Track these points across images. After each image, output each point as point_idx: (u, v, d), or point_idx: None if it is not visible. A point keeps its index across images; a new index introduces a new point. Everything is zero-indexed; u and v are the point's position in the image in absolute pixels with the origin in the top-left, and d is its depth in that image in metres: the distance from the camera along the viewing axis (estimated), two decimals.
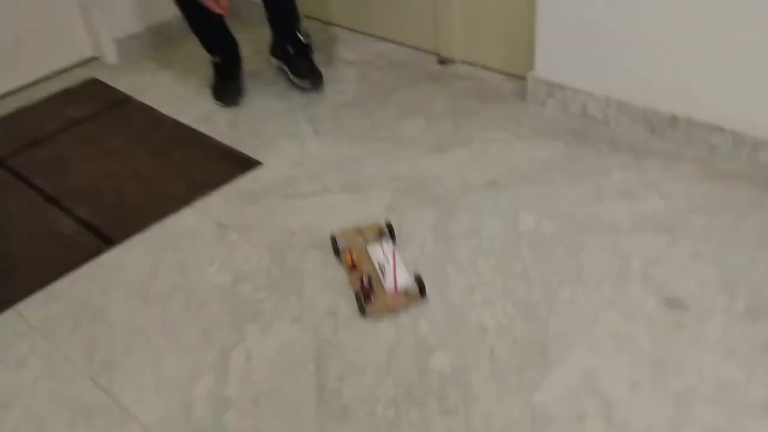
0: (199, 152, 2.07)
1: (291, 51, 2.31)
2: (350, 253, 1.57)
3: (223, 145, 2.08)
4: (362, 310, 1.46)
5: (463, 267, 1.55)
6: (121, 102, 2.39)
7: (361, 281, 1.49)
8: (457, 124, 2.06)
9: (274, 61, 2.41)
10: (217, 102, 2.30)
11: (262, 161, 2.00)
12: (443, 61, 2.42)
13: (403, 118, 2.12)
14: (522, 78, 2.23)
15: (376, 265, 1.54)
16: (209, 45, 2.34)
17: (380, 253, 1.57)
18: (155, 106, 2.34)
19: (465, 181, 1.82)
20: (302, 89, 2.30)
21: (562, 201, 1.71)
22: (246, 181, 1.92)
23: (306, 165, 1.96)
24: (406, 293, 1.47)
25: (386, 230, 1.63)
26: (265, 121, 2.19)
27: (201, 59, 2.42)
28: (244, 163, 1.99)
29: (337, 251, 1.62)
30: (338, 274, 1.57)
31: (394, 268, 1.50)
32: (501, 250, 1.59)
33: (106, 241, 1.76)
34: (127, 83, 2.50)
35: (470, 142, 1.97)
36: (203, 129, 2.17)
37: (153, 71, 2.57)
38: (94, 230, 1.80)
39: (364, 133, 2.07)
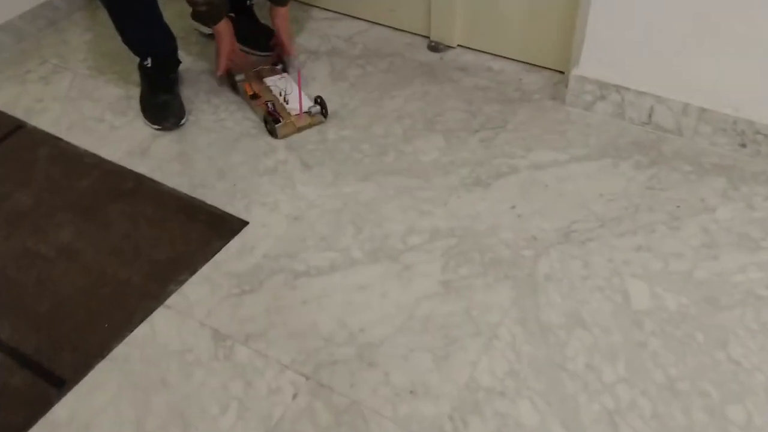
0: (148, 210, 1.48)
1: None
2: (249, 84, 1.77)
3: (182, 196, 1.51)
4: (273, 133, 1.66)
5: (584, 379, 1.15)
6: (10, 131, 1.71)
7: (266, 106, 1.70)
8: (485, 141, 1.61)
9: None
10: (153, 125, 1.69)
11: (245, 218, 1.46)
12: (436, 46, 1.93)
13: (413, 136, 1.63)
14: (553, 70, 1.80)
15: (277, 94, 1.75)
16: (138, 40, 1.70)
17: (279, 82, 1.79)
18: (62, 135, 1.69)
19: (530, 232, 1.39)
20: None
21: (670, 257, 1.33)
22: (232, 254, 1.38)
23: (307, 219, 1.45)
24: (310, 114, 1.68)
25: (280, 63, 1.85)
26: (227, 150, 1.62)
27: (119, 54, 1.77)
28: (221, 224, 1.44)
29: (234, 85, 1.79)
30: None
31: (299, 90, 1.70)
32: (623, 346, 1.19)
33: (53, 381, 1.19)
34: (9, 99, 1.81)
35: (515, 170, 1.54)
36: (143, 169, 1.58)
37: (46, 76, 1.88)
38: (28, 364, 1.22)
39: (369, 162, 1.57)
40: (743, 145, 1.52)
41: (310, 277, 1.33)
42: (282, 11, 1.73)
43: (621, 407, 1.11)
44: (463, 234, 1.40)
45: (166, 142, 1.65)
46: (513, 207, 1.45)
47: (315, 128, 1.67)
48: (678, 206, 1.43)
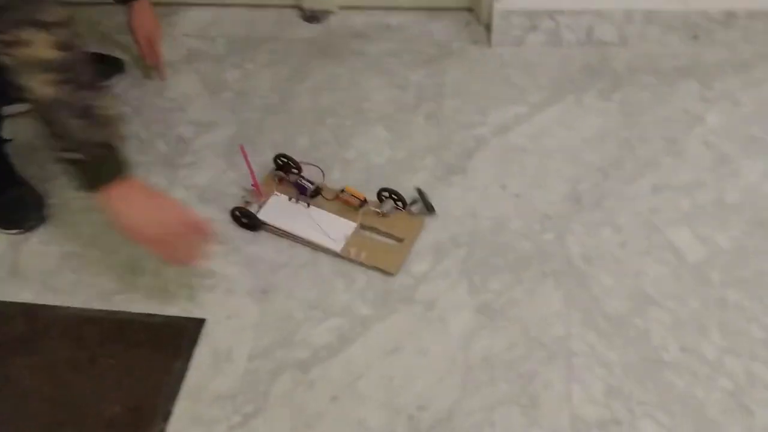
0: (64, 351, 1.06)
1: None
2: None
3: (97, 316, 1.10)
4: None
5: (688, 367, 0.98)
6: None
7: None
8: (432, 117, 1.35)
9: None
10: (10, 231, 1.24)
11: (198, 315, 1.10)
12: (314, 15, 1.60)
13: (348, 137, 1.33)
14: (458, 9, 1.55)
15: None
16: None
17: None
18: None
19: (538, 211, 1.18)
20: None
21: (692, 188, 1.18)
22: (207, 370, 1.02)
23: (280, 285, 1.12)
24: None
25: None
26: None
27: None
28: (170, 336, 1.06)
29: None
30: None
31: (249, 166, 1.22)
32: (704, 310, 1.03)
33: None
34: None
35: (483, 141, 1.30)
36: (26, 295, 1.13)
37: None
38: None
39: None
40: (695, 37, 1.40)
41: (323, 363, 1.03)
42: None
43: (741, 384, 0.96)
44: (469, 239, 1.16)
45: (36, 247, 1.21)
46: (504, 187, 1.23)
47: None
48: (667, 126, 1.29)
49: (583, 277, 1.09)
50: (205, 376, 1.03)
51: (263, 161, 1.27)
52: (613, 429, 0.94)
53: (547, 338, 1.04)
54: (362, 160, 1.29)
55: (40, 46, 0.80)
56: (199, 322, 1.09)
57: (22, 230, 1.23)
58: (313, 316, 1.08)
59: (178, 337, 1.08)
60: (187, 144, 1.35)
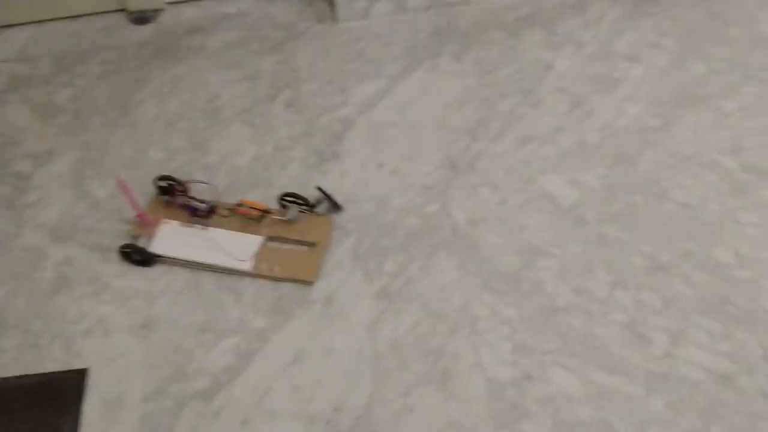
0: None
1: None
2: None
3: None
4: None
5: (582, 308, 1.00)
6: None
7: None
8: (292, 105, 1.29)
9: None
10: None
11: (77, 365, 0.99)
12: (142, 16, 1.48)
13: (205, 140, 1.25)
14: None
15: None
16: None
17: None
18: None
19: (418, 184, 1.17)
20: None
21: (555, 135, 1.20)
22: (101, 423, 0.93)
23: (162, 316, 1.03)
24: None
25: None
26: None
27: None
28: (50, 395, 0.96)
29: None
30: None
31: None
32: (587, 250, 1.06)
33: None
34: None
35: (349, 122, 1.26)
36: None
37: None
38: None
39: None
40: None
41: (225, 387, 0.97)
42: None
43: (633, 315, 1.00)
44: (355, 226, 1.12)
45: None
46: (380, 165, 1.20)
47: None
48: (521, 78, 1.31)
49: (471, 242, 1.10)
50: (99, 430, 0.94)
51: (134, 184, 1.17)
52: (526, 384, 0.95)
53: (449, 309, 1.03)
54: (225, 163, 1.22)
55: None
56: (81, 373, 0.99)
57: None
58: (204, 341, 1.01)
59: (61, 395, 0.97)
60: (27, 180, 1.22)
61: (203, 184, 1.15)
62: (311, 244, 1.09)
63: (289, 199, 1.12)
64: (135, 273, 1.08)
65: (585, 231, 1.10)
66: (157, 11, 1.49)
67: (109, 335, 1.02)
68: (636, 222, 1.10)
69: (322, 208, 1.13)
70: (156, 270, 1.08)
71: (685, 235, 1.07)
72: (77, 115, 1.31)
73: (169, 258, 1.08)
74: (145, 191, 1.16)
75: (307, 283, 1.05)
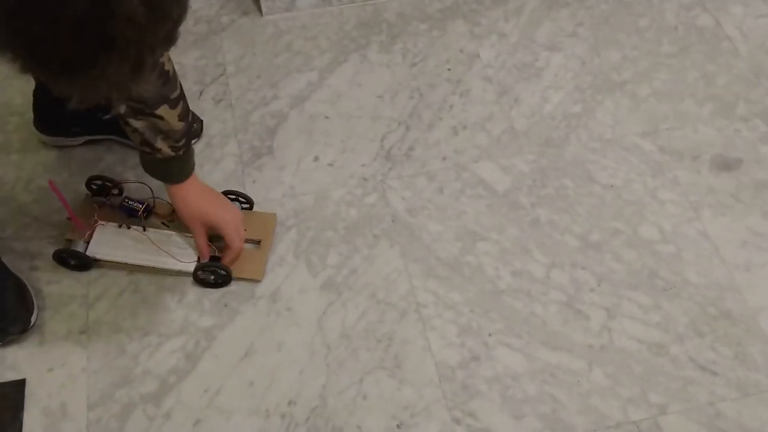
0: None
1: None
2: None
3: None
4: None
5: (523, 289, 1.05)
6: None
7: None
8: (220, 100, 1.26)
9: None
10: None
11: (13, 376, 0.94)
12: None
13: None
14: None
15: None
16: None
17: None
18: None
19: (355, 176, 1.17)
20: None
21: (485, 123, 1.23)
22: None
23: (99, 321, 1.00)
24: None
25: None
26: None
27: None
28: None
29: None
30: None
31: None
32: (522, 234, 1.11)
33: None
34: None
35: (282, 116, 1.25)
36: None
37: None
38: None
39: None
40: None
41: (174, 389, 0.95)
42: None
43: (570, 292, 1.06)
44: (296, 220, 1.12)
45: None
46: (316, 158, 1.20)
47: None
48: (449, 69, 1.34)
49: (412, 230, 1.12)
50: None
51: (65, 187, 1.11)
52: (473, 365, 0.99)
53: (394, 297, 1.05)
54: None
55: (171, 119, 0.92)
56: (19, 384, 0.95)
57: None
58: (149, 343, 0.99)
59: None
60: None
61: (137, 184, 1.11)
62: (256, 242, 1.08)
63: (230, 197, 1.10)
64: (69, 278, 1.04)
65: (520, 215, 1.14)
66: None
67: (45, 344, 0.98)
68: (565, 203, 1.15)
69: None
70: (91, 274, 1.04)
71: (612, 215, 1.14)
72: None
73: (108, 261, 1.04)
74: (76, 192, 1.11)
75: (255, 281, 1.05)
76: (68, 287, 1.03)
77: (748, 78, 1.32)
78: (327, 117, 1.26)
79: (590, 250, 1.10)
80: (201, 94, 1.29)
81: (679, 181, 1.18)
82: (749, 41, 1.39)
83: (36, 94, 1.15)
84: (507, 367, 0.98)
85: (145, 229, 1.06)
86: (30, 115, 1.18)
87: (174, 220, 1.07)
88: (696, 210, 1.15)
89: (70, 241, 1.05)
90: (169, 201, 1.03)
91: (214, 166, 1.18)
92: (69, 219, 1.04)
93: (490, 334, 1.01)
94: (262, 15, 1.42)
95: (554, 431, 0.93)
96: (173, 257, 1.04)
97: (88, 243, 1.04)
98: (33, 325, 0.98)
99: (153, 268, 1.04)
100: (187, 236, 1.06)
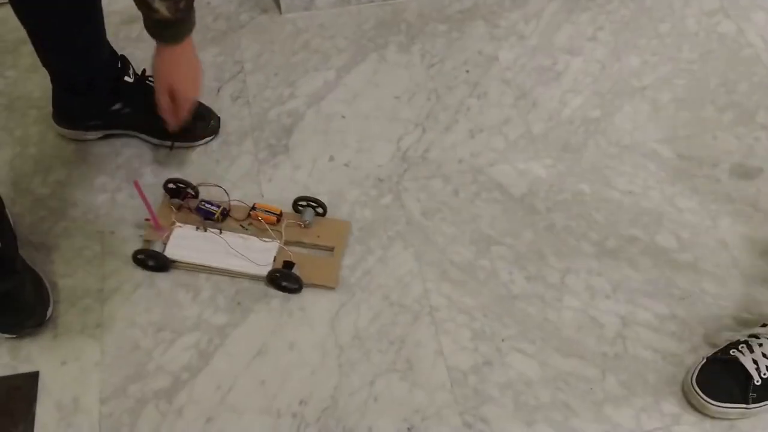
0: None
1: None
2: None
3: None
4: None
5: (537, 294, 1.05)
6: None
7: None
8: (238, 98, 1.27)
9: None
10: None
11: (27, 369, 0.95)
12: None
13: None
14: None
15: None
16: None
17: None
18: None
19: (371, 176, 1.17)
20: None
21: (503, 127, 1.23)
22: (56, 430, 0.91)
23: (113, 318, 1.01)
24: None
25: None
26: None
27: None
28: (3, 402, 0.92)
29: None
30: None
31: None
32: (537, 238, 1.10)
33: None
34: None
35: (298, 115, 1.25)
36: None
37: None
38: None
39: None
40: None
41: (187, 385, 0.95)
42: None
43: (585, 298, 1.05)
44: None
45: None
46: (331, 158, 1.20)
47: None
48: (467, 71, 1.34)
49: (426, 233, 1.11)
50: None
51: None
52: (486, 370, 0.98)
53: (408, 299, 1.05)
54: (173, 160, 1.19)
55: None
56: (32, 377, 0.95)
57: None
58: (162, 339, 0.99)
59: (11, 401, 0.93)
60: None
61: (215, 187, 1.11)
62: (329, 249, 1.08)
63: (303, 203, 1.10)
64: (84, 272, 1.04)
65: (535, 220, 1.13)
66: None
67: (59, 337, 0.99)
68: (582, 209, 1.15)
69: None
70: (106, 268, 1.05)
71: (629, 222, 1.13)
72: (7, 108, 1.24)
73: (185, 263, 1.04)
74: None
75: (328, 287, 1.04)
76: (83, 281, 1.04)
77: None
78: (343, 117, 1.26)
79: (606, 257, 1.09)
80: (219, 90, 1.29)
81: (698, 189, 1.17)
82: None
83: (54, 89, 1.15)
84: (520, 373, 0.98)
85: (221, 232, 1.06)
86: (49, 109, 1.19)
87: (252, 223, 1.07)
88: (714, 219, 1.13)
89: (148, 242, 1.05)
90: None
91: (231, 163, 1.18)
92: (147, 220, 1.04)
93: (503, 340, 1.01)
94: (281, 13, 1.42)
95: None
96: (249, 261, 1.03)
97: (165, 244, 1.04)
98: (48, 318, 0.99)
99: (229, 270, 1.04)
100: (264, 240, 1.06)
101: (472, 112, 1.27)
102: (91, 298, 1.02)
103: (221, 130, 1.23)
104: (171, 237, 1.05)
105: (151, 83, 1.16)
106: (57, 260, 1.06)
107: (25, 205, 1.12)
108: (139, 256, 1.04)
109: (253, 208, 1.09)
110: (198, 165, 1.18)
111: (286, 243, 1.06)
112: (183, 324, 1.01)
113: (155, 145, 1.19)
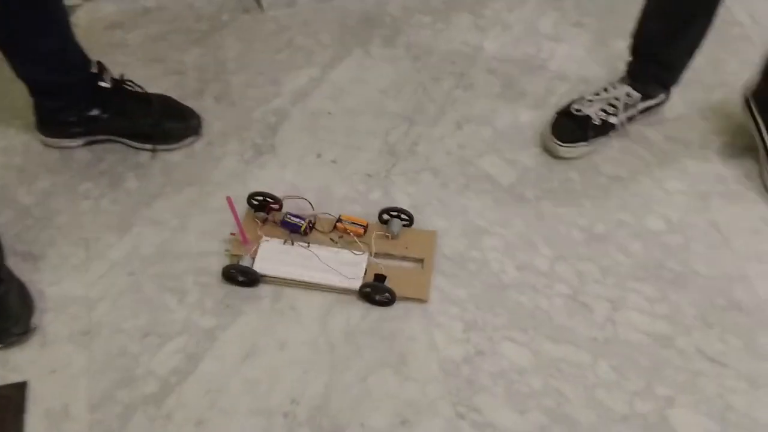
0: None
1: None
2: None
3: None
4: None
5: (528, 282, 1.04)
6: None
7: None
8: (220, 97, 1.26)
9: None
10: None
11: (15, 378, 0.94)
12: None
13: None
14: None
15: None
16: None
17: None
18: None
19: (360, 173, 1.16)
20: None
21: (489, 116, 1.22)
22: None
23: (102, 324, 1.00)
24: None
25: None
26: None
27: None
28: None
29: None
30: None
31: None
32: (528, 227, 1.09)
33: None
34: None
35: (284, 114, 1.24)
36: None
37: None
38: None
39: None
40: None
41: (176, 390, 0.94)
42: None
43: (575, 285, 1.04)
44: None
45: None
46: (319, 155, 1.19)
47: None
48: (453, 61, 1.33)
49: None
50: None
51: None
52: (478, 360, 0.97)
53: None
54: (157, 163, 1.18)
55: None
56: (20, 387, 0.95)
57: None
58: (149, 344, 0.98)
59: (0, 411, 0.92)
60: None
61: (300, 199, 1.10)
62: (418, 260, 1.06)
63: (390, 213, 1.08)
64: (70, 280, 1.04)
65: (524, 208, 1.12)
66: (73, 7, 1.42)
67: (46, 345, 0.98)
68: (571, 196, 1.14)
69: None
70: (92, 275, 1.04)
71: (617, 206, 1.12)
72: None
73: (275, 278, 1.02)
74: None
75: (420, 301, 1.02)
76: (69, 289, 1.03)
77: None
78: (330, 113, 1.25)
79: (595, 242, 1.08)
80: (202, 92, 1.28)
81: (688, 170, 1.15)
82: (761, 27, 1.36)
83: (33, 97, 1.15)
84: (512, 362, 0.97)
85: (309, 245, 1.05)
86: (32, 118, 1.19)
87: (343, 236, 1.06)
88: (704, 199, 1.12)
89: (235, 256, 1.03)
90: None
91: (216, 164, 1.18)
92: (233, 234, 1.04)
93: (495, 329, 1.00)
94: (263, 11, 1.41)
95: (560, 425, 0.92)
96: (340, 274, 1.02)
97: (253, 259, 1.03)
98: (34, 327, 0.98)
99: (320, 284, 1.02)
100: (354, 253, 1.04)
101: (459, 103, 1.26)
102: (78, 305, 1.02)
103: (205, 131, 1.22)
104: (258, 251, 1.04)
105: (129, 87, 1.15)
106: (43, 268, 1.05)
107: (9, 215, 1.11)
108: (231, 271, 1.02)
109: (339, 220, 1.07)
110: (183, 167, 1.17)
111: (375, 255, 1.05)
112: (170, 328, 1.00)
113: (137, 149, 1.19)
